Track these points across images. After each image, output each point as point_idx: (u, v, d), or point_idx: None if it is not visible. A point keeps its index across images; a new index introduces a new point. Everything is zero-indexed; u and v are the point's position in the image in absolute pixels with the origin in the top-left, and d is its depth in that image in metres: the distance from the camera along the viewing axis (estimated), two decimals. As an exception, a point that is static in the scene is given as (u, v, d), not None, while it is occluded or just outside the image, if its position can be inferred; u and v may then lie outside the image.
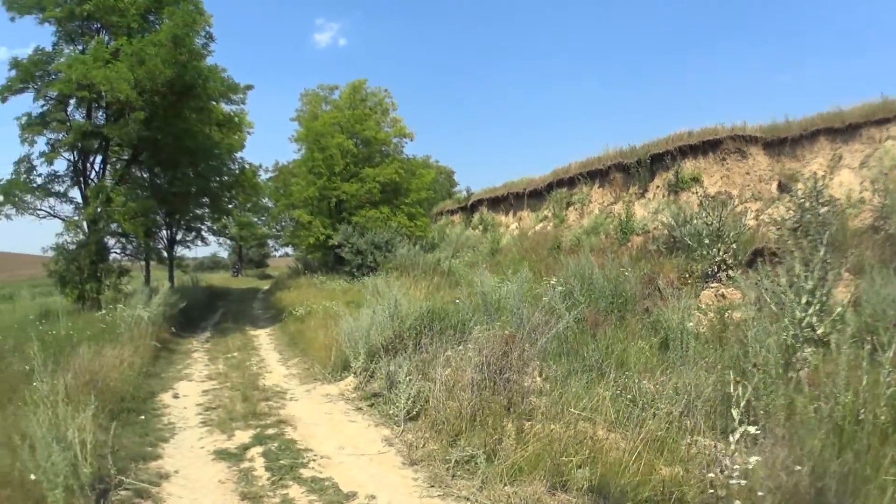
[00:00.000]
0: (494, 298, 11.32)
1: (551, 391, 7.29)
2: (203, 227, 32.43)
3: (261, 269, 67.04)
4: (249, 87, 23.36)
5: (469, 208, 35.45)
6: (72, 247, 17.55)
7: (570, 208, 26.27)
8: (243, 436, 7.89)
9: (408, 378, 8.14)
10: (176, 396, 10.21)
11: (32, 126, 17.38)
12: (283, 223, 39.39)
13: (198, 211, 29.33)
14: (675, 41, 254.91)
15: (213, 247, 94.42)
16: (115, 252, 20.02)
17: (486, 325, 9.57)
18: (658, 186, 22.73)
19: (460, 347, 8.70)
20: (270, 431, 8.07)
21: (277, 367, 12.86)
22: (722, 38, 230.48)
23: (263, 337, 17.32)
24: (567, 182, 26.97)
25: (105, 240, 18.83)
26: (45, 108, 17.80)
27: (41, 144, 17.85)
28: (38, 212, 17.69)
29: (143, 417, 8.73)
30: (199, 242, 32.76)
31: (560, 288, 11.17)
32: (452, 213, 38.40)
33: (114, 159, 21.17)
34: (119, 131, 16.80)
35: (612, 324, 10.23)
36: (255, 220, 51.18)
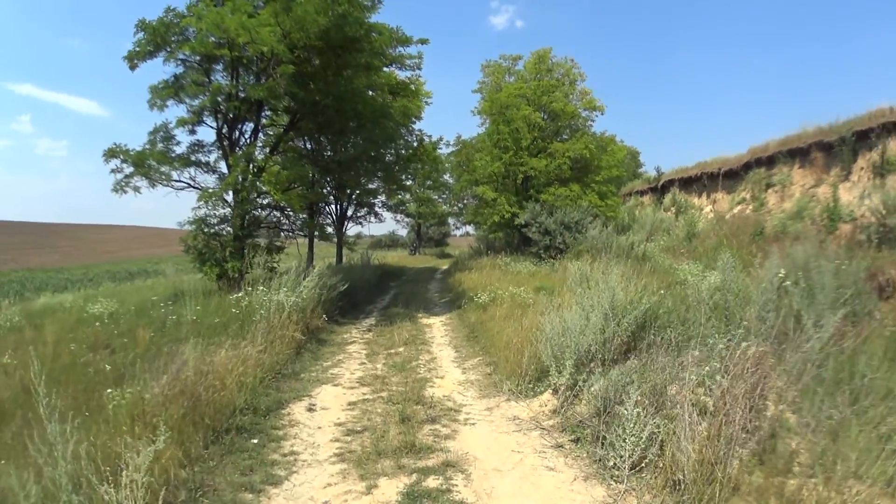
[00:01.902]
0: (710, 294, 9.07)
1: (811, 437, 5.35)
2: (377, 202, 32.01)
3: (440, 248, 66.73)
4: (424, 41, 21.13)
5: (659, 189, 35.49)
6: (213, 220, 16.20)
7: (770, 190, 25.67)
8: (389, 489, 5.55)
9: (636, 411, 5.61)
10: (311, 409, 8.04)
11: (163, 90, 16.04)
12: (466, 201, 38.47)
13: (370, 185, 28.55)
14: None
15: (390, 224, 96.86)
16: (269, 227, 18.59)
17: (724, 333, 6.98)
18: (862, 168, 21.51)
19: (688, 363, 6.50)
20: (431, 482, 5.67)
21: (451, 369, 10.46)
22: None
23: (437, 327, 15.07)
24: (765, 161, 26.40)
25: (255, 213, 17.41)
26: (179, 69, 16.52)
27: (181, 112, 16.67)
28: (176, 183, 16.38)
29: (255, 441, 6.68)
30: (373, 219, 32.53)
31: (787, 283, 8.05)
32: (642, 193, 38.41)
33: (268, 127, 19.96)
34: (264, 91, 15.01)
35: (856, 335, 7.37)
36: (435, 197, 51.45)
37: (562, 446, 6.62)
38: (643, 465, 5.56)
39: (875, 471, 4.68)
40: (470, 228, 52.65)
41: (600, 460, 6.00)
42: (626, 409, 5.69)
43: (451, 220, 62.97)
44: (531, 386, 8.49)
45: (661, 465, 5.40)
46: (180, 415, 6.20)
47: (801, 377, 6.05)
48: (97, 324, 11.38)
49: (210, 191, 15.74)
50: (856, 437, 5.10)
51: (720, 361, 5.93)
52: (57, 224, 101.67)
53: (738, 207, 27.19)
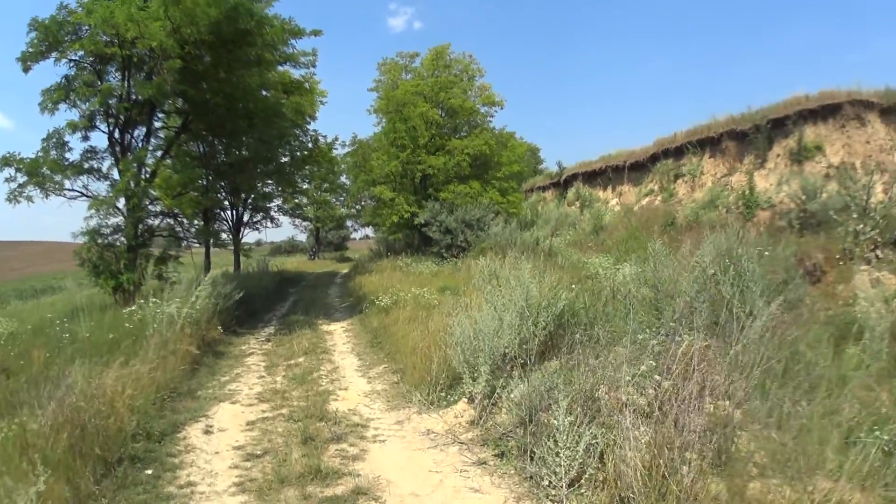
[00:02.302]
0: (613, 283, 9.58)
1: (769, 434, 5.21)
2: (273, 206, 31.79)
3: (340, 252, 66.31)
4: (318, 33, 20.60)
5: (562, 184, 35.83)
6: (105, 230, 15.52)
7: (679, 181, 26.23)
8: (295, 522, 5.28)
9: (567, 420, 5.19)
10: (208, 431, 7.72)
11: (53, 92, 15.28)
12: (363, 202, 38.58)
13: (265, 189, 28.33)
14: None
15: (289, 230, 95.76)
16: (162, 235, 17.89)
17: (655, 328, 7.05)
18: (778, 155, 22.35)
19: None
20: (341, 513, 5.41)
21: (355, 379, 10.26)
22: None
23: (339, 334, 14.80)
24: (673, 153, 26.93)
25: (148, 221, 16.77)
26: (71, 70, 15.76)
27: (75, 116, 15.80)
28: (68, 192, 15.65)
29: (149, 472, 6.31)
30: (270, 224, 32.03)
31: (711, 272, 8.06)
32: (544, 189, 38.77)
33: (161, 131, 19.27)
34: (153, 89, 14.40)
35: (794, 322, 7.40)
36: (333, 200, 51.17)
37: (485, 463, 6.32)
38: (583, 480, 5.06)
39: (844, 465, 4.52)
40: (370, 231, 52.79)
41: (532, 477, 5.58)
42: (555, 418, 5.25)
43: (349, 223, 62.53)
44: (443, 395, 8.32)
45: (604, 479, 4.95)
46: (67, 446, 5.81)
47: (748, 370, 5.96)
48: None
49: (100, 198, 15.03)
50: (817, 429, 4.99)
51: (654, 359, 5.79)
52: None
53: (647, 199, 27.69)
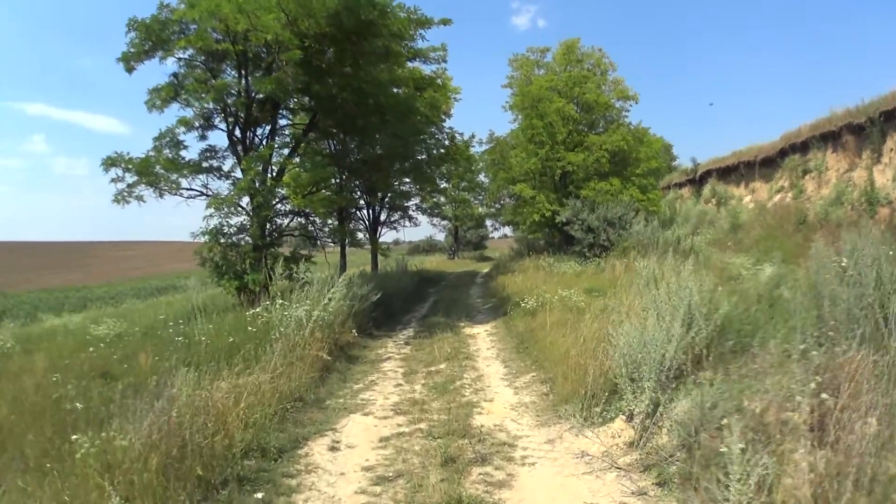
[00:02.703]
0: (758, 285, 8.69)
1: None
2: (411, 205, 31.44)
3: (479, 251, 66.18)
4: (446, 22, 19.75)
5: (697, 180, 35.22)
6: (229, 230, 15.04)
7: (807, 176, 25.27)
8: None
9: (738, 447, 4.03)
10: (334, 448, 6.66)
11: (161, 90, 14.91)
12: (503, 201, 38.28)
13: (402, 187, 27.88)
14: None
15: (427, 229, 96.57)
16: (293, 235, 17.31)
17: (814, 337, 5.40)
18: (892, 149, 20.82)
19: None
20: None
21: (501, 389, 8.99)
22: None
23: (482, 337, 13.58)
24: (800, 147, 25.95)
25: (277, 220, 16.28)
26: (181, 69, 15.43)
27: (187, 115, 15.45)
28: (185, 191, 15.24)
29: (259, 496, 5.33)
30: (408, 223, 31.70)
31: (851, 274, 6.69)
32: (680, 185, 38.12)
33: (285, 128, 18.76)
34: (272, 83, 13.65)
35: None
36: (471, 198, 51.20)
37: (645, 493, 5.16)
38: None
39: None
40: (508, 230, 52.37)
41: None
42: (725, 444, 4.16)
43: (488, 222, 61.96)
44: (598, 410, 6.97)
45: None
46: (159, 467, 4.90)
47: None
48: (91, 349, 10.18)
49: (220, 197, 14.53)
50: None
51: (819, 374, 4.66)
52: (80, 242, 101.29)
53: (778, 196, 26.69)
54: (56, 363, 9.89)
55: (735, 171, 31.21)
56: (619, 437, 6.24)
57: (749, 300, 7.82)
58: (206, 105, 15.00)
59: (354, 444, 6.71)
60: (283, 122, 17.61)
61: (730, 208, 28.44)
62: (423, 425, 7.20)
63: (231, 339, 9.61)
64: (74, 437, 5.08)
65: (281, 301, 10.75)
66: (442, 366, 10.53)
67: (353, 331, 12.37)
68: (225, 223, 14.80)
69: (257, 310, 11.03)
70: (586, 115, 27.95)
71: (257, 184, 14.33)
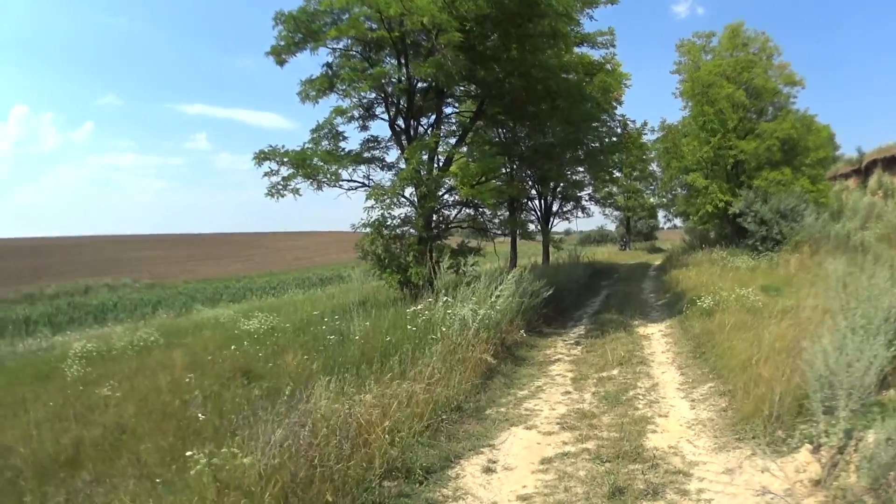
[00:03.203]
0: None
1: None
2: (583, 195, 30.51)
3: (650, 242, 64.96)
4: (613, 1, 18.74)
5: (863, 171, 34.21)
6: (392, 221, 14.81)
7: None
8: None
9: None
10: (490, 469, 6.02)
11: (315, 80, 14.73)
12: (674, 191, 36.34)
13: (575, 176, 26.98)
14: None
15: (598, 219, 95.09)
16: (461, 227, 16.89)
17: None
18: None
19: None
20: None
21: (677, 401, 8.00)
22: None
23: (657, 339, 12.53)
24: None
25: (444, 212, 15.99)
26: (335, 59, 15.18)
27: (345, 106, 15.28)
28: (345, 183, 15.08)
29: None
30: (581, 213, 31.03)
31: None
32: (845, 176, 37.38)
33: (451, 116, 18.31)
34: (431, 67, 13.18)
35: None
36: (643, 189, 50.78)
37: None
38: None
39: None
40: (678, 221, 50.89)
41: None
42: None
43: (660, 213, 59.77)
44: (782, 435, 6.04)
45: None
46: (282, 491, 4.57)
47: None
48: (233, 347, 10.18)
49: (381, 187, 14.26)
50: None
51: None
52: (244, 234, 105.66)
53: None
54: (198, 359, 10.10)
55: None
56: (804, 471, 5.25)
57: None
58: (363, 94, 14.79)
59: (512, 466, 6.05)
60: (448, 110, 17.25)
61: None
62: (590, 444, 6.43)
63: (388, 339, 9.25)
64: (189, 452, 4.83)
65: (445, 297, 10.29)
66: (614, 371, 9.65)
67: (522, 331, 11.70)
68: (387, 214, 14.56)
69: (419, 307, 10.61)
70: (755, 102, 26.83)
71: (422, 173, 13.96)
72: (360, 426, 5.74)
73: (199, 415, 6.55)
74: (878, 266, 7.19)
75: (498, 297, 10.80)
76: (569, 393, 8.64)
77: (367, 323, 10.20)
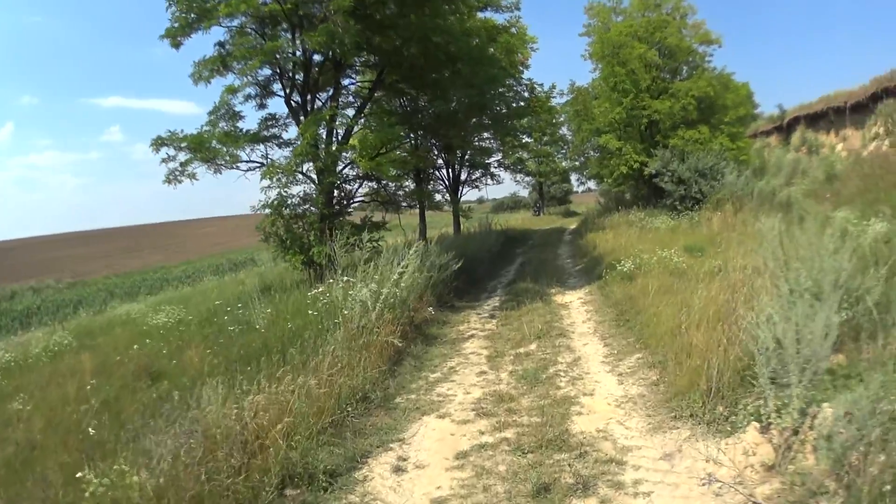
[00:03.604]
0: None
1: None
2: (492, 161, 30.13)
3: (564, 206, 64.42)
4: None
5: (785, 128, 34.54)
6: (293, 200, 14.16)
7: None
8: None
9: None
10: (400, 469, 5.46)
11: (207, 61, 13.78)
12: (587, 154, 35.89)
13: (482, 143, 26.38)
14: None
15: (510, 186, 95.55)
16: (364, 202, 16.12)
17: None
18: None
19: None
20: None
21: (602, 377, 7.50)
22: None
23: (576, 307, 12.04)
24: (894, 91, 24.76)
25: (346, 187, 15.33)
26: (225, 37, 14.26)
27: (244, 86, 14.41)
28: (243, 164, 14.26)
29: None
30: (490, 181, 30.55)
31: None
32: (767, 133, 37.14)
33: (348, 87, 17.21)
34: (322, 36, 12.29)
35: None
36: (554, 153, 49.88)
37: None
38: None
39: None
40: (592, 184, 51.28)
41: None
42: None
43: (573, 177, 60.01)
44: (723, 411, 5.60)
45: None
46: None
47: None
48: (136, 346, 9.58)
49: (274, 166, 13.50)
50: None
51: None
52: (158, 224, 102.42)
53: (873, 144, 25.35)
54: (107, 360, 9.57)
55: (824, 118, 30.44)
56: (754, 453, 4.77)
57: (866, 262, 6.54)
58: (257, 71, 13.87)
59: (425, 463, 5.47)
60: (347, 82, 16.43)
61: (823, 157, 27.48)
62: (510, 433, 5.88)
63: (290, 325, 8.57)
64: (79, 473, 4.32)
65: (345, 278, 9.54)
66: (532, 346, 9.11)
67: (430, 309, 11.07)
68: (285, 193, 13.87)
69: (320, 289, 9.87)
70: (669, 62, 26.54)
71: (320, 148, 13.25)
72: (256, 429, 5.03)
73: (90, 429, 5.80)
74: (814, 222, 6.80)
75: (402, 273, 10.11)
76: (484, 373, 8.09)
77: (269, 310, 9.65)
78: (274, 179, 13.47)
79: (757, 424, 4.95)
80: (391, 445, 5.88)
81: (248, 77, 13.96)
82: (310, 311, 9.02)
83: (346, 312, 8.62)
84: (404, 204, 18.61)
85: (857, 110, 27.15)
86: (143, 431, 5.06)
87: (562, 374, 7.63)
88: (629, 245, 15.62)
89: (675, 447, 5.33)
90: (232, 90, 13.90)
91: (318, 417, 5.88)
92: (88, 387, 7.53)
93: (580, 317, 11.04)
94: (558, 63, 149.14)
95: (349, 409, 6.51)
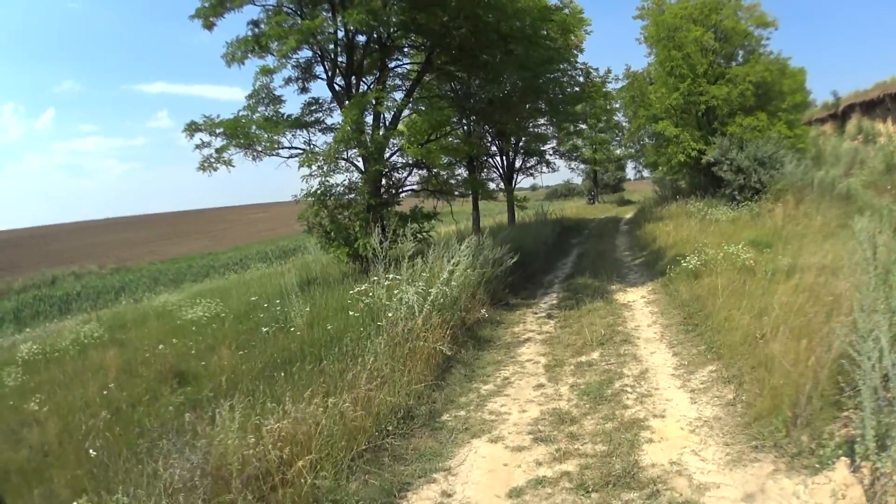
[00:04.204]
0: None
1: None
2: (547, 149, 28.88)
3: (618, 194, 62.86)
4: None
5: (840, 115, 33.60)
6: (338, 189, 13.61)
7: None
8: None
9: None
10: (445, 506, 4.72)
11: (240, 41, 13.10)
12: (642, 142, 35.54)
13: (537, 129, 25.38)
14: None
15: (564, 173, 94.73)
16: (414, 190, 15.38)
17: None
18: None
19: None
20: None
21: (674, 394, 6.64)
22: None
23: (639, 308, 11.10)
24: None
25: (396, 175, 14.67)
26: (260, 15, 13.57)
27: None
28: (285, 150, 13.65)
29: None
30: (546, 169, 29.31)
31: None
32: (822, 121, 36.07)
33: (395, 70, 16.44)
34: (363, 13, 11.60)
35: None
36: (609, 139, 49.22)
37: None
38: None
39: None
40: (646, 172, 50.47)
41: None
42: None
43: (630, 164, 58.64)
44: (808, 441, 4.83)
45: None
46: None
47: None
48: (161, 346, 9.22)
49: (314, 152, 13.00)
50: None
51: None
52: (208, 209, 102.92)
53: None
54: (133, 359, 9.32)
55: (880, 105, 29.48)
56: (843, 496, 4.00)
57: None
58: (294, 51, 13.11)
59: (473, 502, 4.77)
60: (394, 65, 15.71)
61: (881, 146, 26.63)
62: (572, 465, 5.15)
63: (330, 327, 7.96)
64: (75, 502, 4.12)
65: (391, 275, 8.85)
66: (595, 354, 8.30)
67: (482, 310, 10.32)
68: (326, 182, 13.33)
69: (363, 286, 9.18)
70: (725, 45, 25.43)
71: (367, 134, 12.63)
72: (278, 460, 4.42)
73: (91, 451, 5.34)
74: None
75: (452, 271, 9.39)
76: (542, 386, 7.33)
77: (307, 309, 9.09)
78: (314, 167, 12.89)
79: (846, 460, 4.21)
80: (435, 476, 5.20)
81: (287, 59, 13.24)
82: (350, 312, 8.39)
83: (389, 315, 7.96)
84: (457, 193, 17.84)
85: (916, 98, 25.52)
86: (151, 453, 4.61)
87: (628, 389, 6.83)
88: (691, 238, 14.87)
89: (756, 486, 4.55)
90: (267, 71, 13.22)
91: (352, 441, 5.23)
92: (104, 392, 7.17)
93: (644, 319, 10.14)
94: (612, 47, 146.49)
95: (389, 427, 5.87)
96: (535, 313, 11.46)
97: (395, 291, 8.35)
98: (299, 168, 13.01)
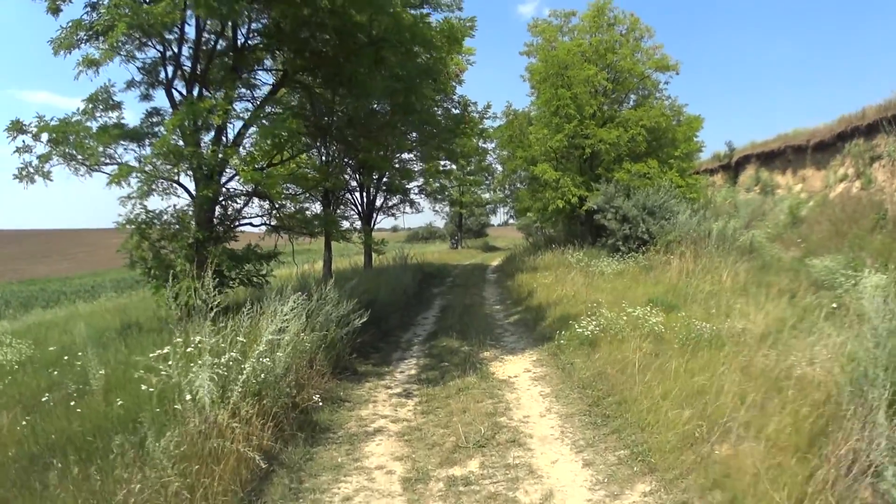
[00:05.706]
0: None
1: None
2: (412, 186, 27.81)
3: (482, 240, 63.83)
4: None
5: (733, 166, 34.26)
6: (165, 216, 11.28)
7: (877, 164, 23.03)
8: None
9: None
10: None
11: (74, 26, 10.64)
12: (514, 186, 35.76)
13: (402, 164, 24.08)
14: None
15: (427, 215, 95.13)
16: (252, 224, 12.88)
17: None
18: None
19: None
20: None
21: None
22: None
23: (524, 387, 8.97)
24: (864, 131, 23.84)
25: (231, 203, 12.35)
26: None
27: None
28: (107, 166, 10.95)
29: None
30: (409, 209, 27.74)
31: None
32: (712, 172, 36.47)
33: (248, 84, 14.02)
34: (206, 7, 9.42)
35: None
36: (479, 181, 48.87)
37: None
38: None
39: None
40: (509, 217, 51.04)
41: None
42: None
43: (500, 209, 58.47)
44: None
45: None
46: None
47: None
48: None
49: (128, 166, 10.54)
50: None
51: None
52: (73, 230, 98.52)
53: (841, 186, 24.73)
54: None
55: (780, 157, 29.92)
56: None
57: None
58: (120, 41, 10.51)
59: None
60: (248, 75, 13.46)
61: (780, 198, 27.33)
62: None
63: (120, 402, 5.93)
64: None
65: (198, 338, 6.38)
66: (472, 465, 6.09)
67: (324, 380, 8.03)
68: (143, 206, 11.04)
69: (164, 350, 6.64)
70: (619, 87, 25.61)
71: (204, 150, 10.56)
72: None
73: None
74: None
75: (280, 334, 7.07)
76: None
77: (102, 371, 6.80)
78: (128, 184, 10.47)
79: None
80: None
81: (115, 50, 10.62)
82: (143, 386, 5.94)
83: (188, 399, 5.59)
84: (305, 231, 15.34)
85: (820, 150, 26.53)
86: None
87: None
88: (578, 294, 14.04)
89: None
90: (90, 62, 10.60)
91: None
92: None
93: (535, 405, 7.99)
94: (493, 95, 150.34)
95: None
96: (390, 388, 9.32)
97: (192, 366, 5.95)
98: (107, 185, 10.46)
